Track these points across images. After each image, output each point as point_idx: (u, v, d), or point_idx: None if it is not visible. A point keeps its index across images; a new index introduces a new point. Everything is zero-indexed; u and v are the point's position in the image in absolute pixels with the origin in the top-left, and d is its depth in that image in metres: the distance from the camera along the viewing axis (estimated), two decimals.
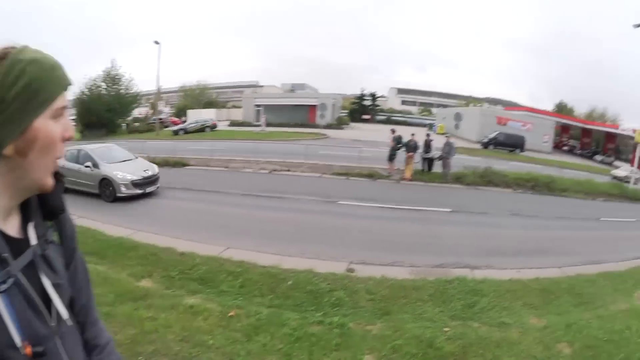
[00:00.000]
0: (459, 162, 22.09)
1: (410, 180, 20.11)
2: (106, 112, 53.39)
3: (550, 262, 9.19)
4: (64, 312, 1.18)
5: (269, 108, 60.52)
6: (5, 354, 1.00)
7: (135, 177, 14.79)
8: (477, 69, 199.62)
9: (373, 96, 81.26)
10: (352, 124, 65.33)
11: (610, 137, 66.56)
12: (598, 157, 55.18)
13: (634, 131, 44.34)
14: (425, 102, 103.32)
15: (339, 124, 59.81)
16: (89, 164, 14.91)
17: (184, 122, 57.57)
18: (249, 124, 56.93)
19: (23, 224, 1.16)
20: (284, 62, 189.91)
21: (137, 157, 17.14)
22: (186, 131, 48.76)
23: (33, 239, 1.15)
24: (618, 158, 56.20)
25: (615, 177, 32.46)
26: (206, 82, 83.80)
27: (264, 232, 10.74)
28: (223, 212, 12.86)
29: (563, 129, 70.03)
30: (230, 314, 5.48)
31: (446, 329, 5.44)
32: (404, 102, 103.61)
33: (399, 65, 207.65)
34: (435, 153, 21.24)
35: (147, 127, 56.46)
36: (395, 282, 7.31)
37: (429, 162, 21.42)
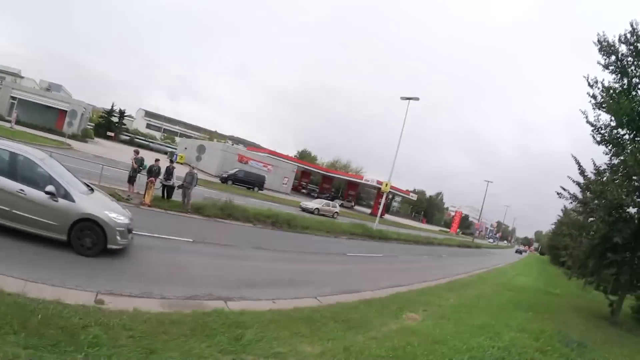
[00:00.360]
0: (198, 193, 21.93)
1: (150, 206, 19.12)
2: None
3: (304, 293, 9.45)
4: None
5: (24, 104, 53.15)
6: None
7: (127, 220, 10.04)
8: (225, 106, 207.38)
9: (121, 114, 78.26)
10: (96, 139, 61.47)
11: (352, 185, 76.68)
12: (337, 202, 60.77)
13: (380, 182, 50.71)
14: (170, 130, 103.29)
15: (83, 137, 55.05)
16: (51, 189, 8.80)
17: None
18: (1, 118, 49.84)
19: None
20: (49, 56, 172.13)
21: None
22: None
23: None
24: (358, 203, 63.35)
25: (304, 209, 36.64)
26: None
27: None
28: None
29: (304, 174, 77.96)
30: None
31: None
32: (149, 126, 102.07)
33: (152, 87, 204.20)
34: (175, 182, 20.71)
35: None
36: (151, 316, 6.48)
37: (169, 189, 20.78)
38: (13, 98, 55.51)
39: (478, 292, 15.36)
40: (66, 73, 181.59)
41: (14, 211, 8.63)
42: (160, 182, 20.20)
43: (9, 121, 45.59)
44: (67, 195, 9.02)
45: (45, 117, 53.67)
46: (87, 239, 9.13)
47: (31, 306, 6.18)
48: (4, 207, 8.60)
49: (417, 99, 34.70)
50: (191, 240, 13.84)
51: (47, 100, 57.73)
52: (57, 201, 8.85)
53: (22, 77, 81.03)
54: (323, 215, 36.41)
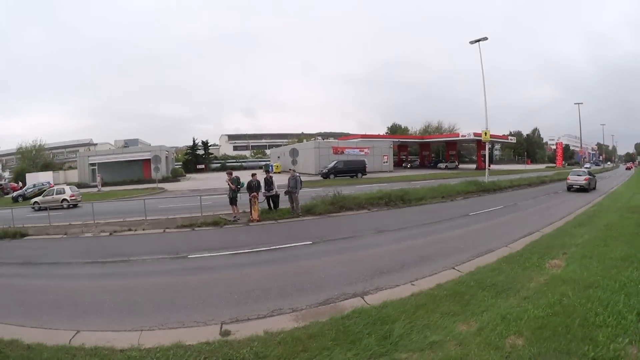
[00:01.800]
0: (305, 195, 21.72)
1: (259, 220, 19.06)
2: None
3: (441, 266, 8.74)
4: None
5: (104, 166, 58.16)
6: None
7: None
8: (305, 107, 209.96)
9: (205, 145, 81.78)
10: (188, 175, 64.97)
11: (451, 145, 73.45)
12: (442, 165, 58.65)
13: (477, 134, 48.80)
14: (257, 145, 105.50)
15: (174, 176, 58.78)
16: None
17: (22, 187, 52.44)
18: (86, 185, 53.67)
19: None
20: (114, 119, 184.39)
21: None
22: (25, 197, 44.36)
23: None
24: (460, 161, 61.15)
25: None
26: (42, 142, 78.05)
27: (117, 305, 8.81)
28: (68, 288, 10.65)
29: (400, 148, 75.79)
30: None
31: None
32: (235, 148, 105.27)
33: (227, 113, 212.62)
34: (277, 190, 20.42)
35: None
36: (285, 335, 5.99)
37: (274, 199, 20.55)
38: (92, 164, 59.97)
39: (606, 222, 13.92)
40: (138, 127, 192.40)
41: None
42: (264, 195, 19.95)
43: (96, 186, 49.09)
44: None
45: (129, 171, 57.49)
46: None
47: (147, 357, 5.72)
48: None
49: (485, 39, 34.23)
50: (310, 242, 13.46)
51: (126, 156, 62.17)
52: None
53: (94, 145, 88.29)
54: None
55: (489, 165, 37.37)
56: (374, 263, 10.08)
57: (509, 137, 78.58)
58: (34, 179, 55.04)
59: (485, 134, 33.98)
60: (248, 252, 12.95)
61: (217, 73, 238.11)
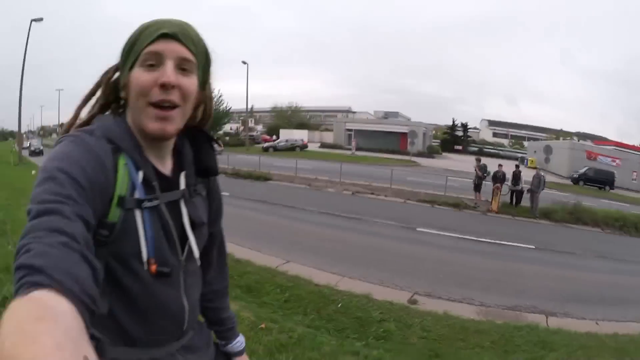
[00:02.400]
0: (548, 197, 20.71)
1: (497, 212, 19.19)
2: None
3: (633, 315, 8.10)
4: (195, 252, 1.34)
5: (360, 133, 60.97)
6: (130, 262, 1.18)
7: None
8: (567, 101, 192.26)
9: (465, 127, 79.65)
10: (444, 154, 64.02)
11: None
12: None
13: None
14: (516, 135, 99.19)
15: (430, 153, 58.26)
16: None
17: (275, 140, 58.27)
18: (340, 147, 57.64)
19: (176, 171, 1.35)
20: (375, 90, 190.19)
21: None
22: (276, 148, 49.35)
23: (182, 185, 1.33)
24: None
25: None
26: (298, 105, 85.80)
27: (333, 252, 10.43)
28: (295, 228, 12.70)
29: None
30: (260, 326, 5.05)
31: None
32: (495, 134, 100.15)
33: (488, 97, 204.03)
34: (523, 186, 20.29)
35: (237, 142, 59.02)
36: (457, 322, 6.63)
37: (517, 195, 20.44)
38: (349, 130, 63.11)
39: None
40: (398, 101, 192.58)
41: None
42: (508, 188, 20.05)
43: (350, 149, 52.17)
44: None
45: (385, 142, 58.59)
46: None
47: (335, 297, 6.99)
48: None
49: None
50: (534, 247, 13.43)
51: (384, 127, 63.59)
52: None
53: (353, 112, 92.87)
54: None
55: None
56: (577, 288, 9.77)
57: None
58: (288, 134, 60.54)
59: None
60: (474, 239, 13.54)
61: (480, 56, 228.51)
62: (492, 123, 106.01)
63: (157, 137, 1.23)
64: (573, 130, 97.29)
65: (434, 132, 76.75)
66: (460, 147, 74.44)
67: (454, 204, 19.82)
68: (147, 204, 1.20)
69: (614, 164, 49.26)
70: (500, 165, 20.09)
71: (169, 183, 1.30)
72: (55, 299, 0.76)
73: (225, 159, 28.30)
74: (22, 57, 36.77)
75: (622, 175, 46.43)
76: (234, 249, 8.74)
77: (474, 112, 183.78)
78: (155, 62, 1.18)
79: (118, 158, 1.18)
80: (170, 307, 1.32)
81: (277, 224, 12.94)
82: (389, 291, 7.90)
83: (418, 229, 14.06)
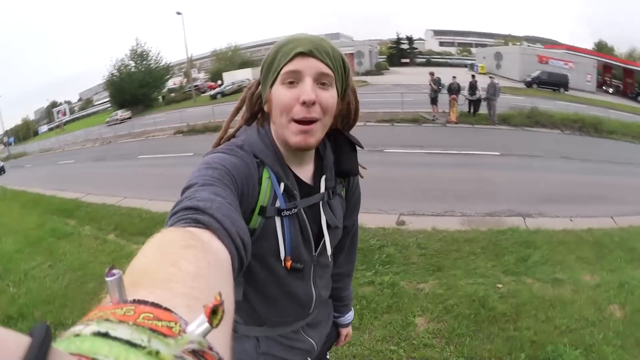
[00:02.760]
0: (504, 102, 21.27)
1: (456, 123, 19.67)
2: (139, 88, 54.57)
3: (603, 211, 8.78)
4: (329, 249, 1.53)
5: None
6: (267, 260, 1.38)
7: None
8: (514, 4, 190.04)
9: (410, 39, 78.17)
10: (392, 69, 63.01)
11: None
12: None
13: None
14: (463, 42, 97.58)
15: (378, 70, 57.68)
16: None
17: (221, 85, 56.48)
18: None
19: (317, 175, 1.48)
20: (312, 14, 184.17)
21: None
22: (223, 94, 47.71)
23: (322, 189, 1.47)
24: None
25: None
26: (237, 44, 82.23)
27: None
28: None
29: (605, 69, 65.46)
30: None
31: (499, 286, 5.31)
32: (441, 44, 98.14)
33: (431, 5, 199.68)
34: (481, 94, 20.69)
35: (183, 96, 56.96)
36: (447, 235, 7.10)
37: (475, 103, 20.89)
38: None
39: None
40: (339, 21, 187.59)
41: None
42: (465, 98, 20.43)
43: None
44: None
45: None
46: None
47: None
48: None
49: None
50: (498, 153, 14.08)
51: None
52: None
53: None
54: None
55: None
56: (547, 188, 10.35)
57: None
58: (232, 77, 57.88)
59: None
60: (440, 152, 14.04)
61: None
62: (437, 32, 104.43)
63: (299, 149, 1.33)
64: (521, 34, 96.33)
65: (379, 48, 75.54)
66: (407, 60, 73.59)
67: (413, 119, 20.29)
68: (286, 213, 1.35)
69: (567, 67, 50.32)
70: (454, 77, 20.37)
71: (309, 189, 1.44)
72: (211, 237, 0.81)
73: (178, 117, 27.85)
74: None
75: (576, 78, 47.65)
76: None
77: (417, 23, 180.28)
78: (295, 79, 1.26)
79: (262, 171, 1.33)
80: (299, 294, 1.52)
81: None
82: (378, 217, 8.18)
83: (385, 150, 14.36)
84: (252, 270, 1.39)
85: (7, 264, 8.70)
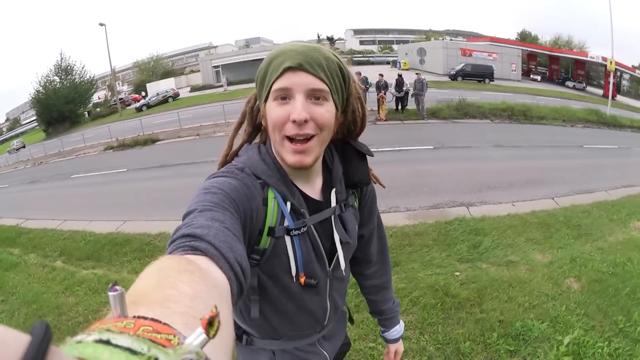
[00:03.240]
0: (431, 97, 21.86)
1: (386, 120, 19.99)
2: (65, 104, 52.26)
3: (543, 193, 9.30)
4: (342, 263, 1.47)
5: (228, 67, 58.89)
6: (280, 277, 1.35)
7: None
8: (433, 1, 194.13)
9: (331, 40, 79.35)
10: None
11: (580, 64, 65.11)
12: (569, 84, 54.95)
13: (605, 59, 44.08)
14: (384, 40, 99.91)
15: None
16: None
17: (145, 97, 55.21)
18: (210, 87, 55.75)
19: (326, 189, 1.44)
20: (230, 18, 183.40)
21: None
22: (149, 105, 47.05)
23: (333, 202, 1.42)
24: (589, 84, 56.04)
25: None
26: (159, 53, 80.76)
27: None
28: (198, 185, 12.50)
29: (529, 57, 68.23)
30: None
31: (457, 274, 5.48)
32: (362, 42, 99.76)
33: (351, 4, 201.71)
34: (409, 90, 21.02)
35: (109, 110, 54.88)
36: (397, 230, 7.21)
37: (402, 100, 21.23)
38: (215, 67, 60.37)
39: None
40: (257, 25, 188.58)
41: None
42: (393, 95, 20.77)
43: (221, 86, 50.67)
44: None
45: (253, 71, 55.97)
46: None
47: None
48: None
49: None
50: (431, 147, 14.43)
51: (248, 56, 60.46)
52: None
53: (215, 47, 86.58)
54: None
55: (615, 95, 33.89)
56: (485, 176, 10.74)
57: (637, 70, 68.27)
58: (156, 87, 56.71)
59: (611, 62, 30.04)
60: (374, 150, 14.09)
61: None
62: (357, 32, 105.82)
63: (297, 168, 1.30)
64: (442, 29, 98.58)
65: None
66: None
67: None
68: (295, 232, 1.32)
69: (491, 58, 52.56)
70: (381, 75, 20.68)
71: (318, 205, 1.40)
72: (209, 263, 0.81)
73: (107, 132, 27.05)
74: None
75: (501, 67, 49.97)
76: (164, 226, 8.48)
77: (337, 22, 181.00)
78: (286, 95, 1.22)
79: (267, 191, 1.30)
80: (314, 309, 1.50)
81: (186, 185, 12.34)
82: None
83: None
84: (266, 288, 1.38)
85: None
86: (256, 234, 1.24)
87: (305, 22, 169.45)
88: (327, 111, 1.23)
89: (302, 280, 1.37)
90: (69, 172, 21.21)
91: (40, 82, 53.77)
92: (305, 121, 1.19)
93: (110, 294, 0.43)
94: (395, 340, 1.97)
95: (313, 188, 1.42)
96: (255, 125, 1.44)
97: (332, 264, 1.46)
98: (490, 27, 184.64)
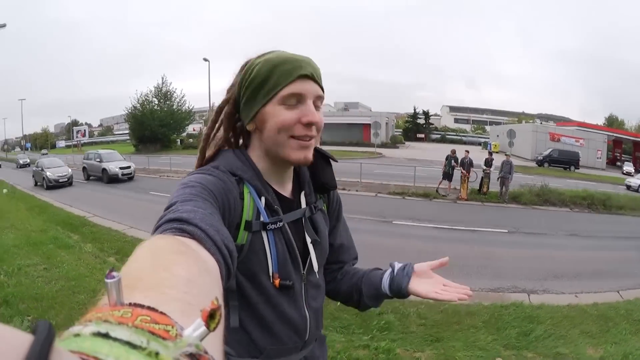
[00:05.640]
0: (515, 181, 21.23)
1: (466, 199, 19.60)
2: (159, 127, 55.27)
3: (609, 286, 8.64)
4: (315, 265, 1.48)
5: (325, 127, 60.35)
6: (258, 277, 1.32)
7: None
8: (527, 84, 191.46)
9: (426, 114, 79.22)
10: (407, 143, 63.63)
11: None
12: None
13: None
14: (477, 120, 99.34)
15: (393, 143, 58.46)
16: None
17: None
18: None
19: (296, 191, 1.48)
20: (333, 81, 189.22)
21: None
22: None
23: (303, 204, 1.47)
24: None
25: (628, 187, 31.54)
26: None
27: None
28: None
29: (615, 143, 64.69)
30: None
31: (499, 359, 5.15)
32: (456, 120, 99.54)
33: (448, 82, 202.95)
34: (491, 170, 20.56)
35: None
36: (449, 307, 6.88)
37: (487, 180, 20.76)
38: None
39: None
40: (357, 91, 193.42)
41: None
42: (483, 173, 20.35)
43: None
44: None
45: (349, 134, 58.29)
46: None
47: None
48: None
49: None
50: (506, 231, 13.88)
51: (346, 119, 63.25)
52: None
53: None
54: None
55: None
56: (553, 265, 10.15)
57: None
58: None
59: None
60: (448, 228, 13.83)
61: (437, 40, 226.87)
62: (453, 109, 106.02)
63: (300, 164, 1.36)
64: (534, 112, 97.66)
65: (395, 121, 76.59)
66: (422, 136, 74.35)
67: (424, 193, 20.21)
68: (271, 227, 1.32)
69: (578, 144, 50.65)
70: (467, 152, 20.49)
71: (290, 204, 1.44)
72: (198, 246, 0.81)
73: (194, 162, 28.36)
74: None
75: (586, 154, 47.86)
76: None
77: (434, 97, 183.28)
78: (298, 101, 1.28)
79: (243, 187, 1.32)
80: (293, 316, 1.43)
81: None
82: None
83: (394, 222, 14.28)
84: (244, 291, 1.34)
85: (2, 255, 9.02)
86: (234, 227, 1.25)
87: (403, 95, 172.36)
88: (322, 116, 1.35)
89: (277, 282, 1.34)
90: (149, 188, 22.46)
91: (138, 99, 57.02)
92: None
93: (108, 280, 0.42)
94: (405, 270, 1.67)
95: (285, 190, 1.45)
96: (234, 132, 1.45)
97: (306, 266, 1.45)
98: (579, 111, 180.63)
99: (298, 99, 1.28)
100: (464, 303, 7.19)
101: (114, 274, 0.43)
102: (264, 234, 1.32)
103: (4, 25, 35.39)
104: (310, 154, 1.34)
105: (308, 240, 1.45)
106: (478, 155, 21.52)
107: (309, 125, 1.29)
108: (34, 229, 11.97)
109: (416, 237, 12.52)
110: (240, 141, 1.49)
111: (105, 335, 0.33)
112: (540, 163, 43.41)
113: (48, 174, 25.57)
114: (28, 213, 15.65)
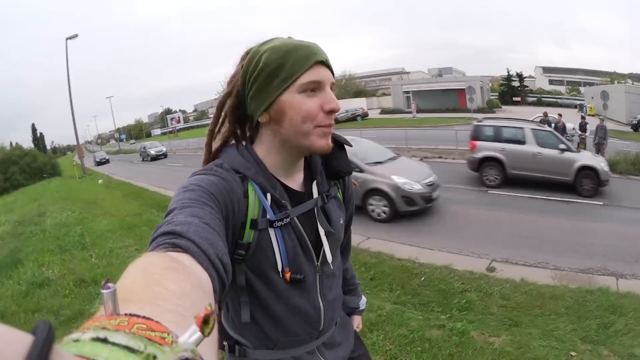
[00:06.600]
0: (610, 147, 19.63)
1: None
2: None
3: None
4: (329, 256, 1.46)
5: (418, 94, 58.98)
6: (267, 273, 1.32)
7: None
8: (618, 41, 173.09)
9: (520, 77, 73.54)
10: (504, 107, 59.70)
11: None
12: None
13: None
14: (571, 81, 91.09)
15: (490, 108, 54.89)
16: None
17: None
18: (400, 111, 56.37)
19: (307, 181, 1.44)
20: (424, 48, 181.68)
21: None
22: (337, 121, 48.51)
23: (315, 194, 1.42)
24: None
25: None
26: (352, 72, 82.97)
27: (410, 223, 10.63)
28: None
29: None
30: None
31: (573, 354, 4.81)
32: (551, 82, 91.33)
33: (539, 42, 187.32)
34: (587, 135, 19.51)
35: None
36: (533, 288, 6.66)
37: (583, 147, 19.52)
38: (406, 92, 60.67)
39: None
40: (449, 56, 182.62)
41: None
42: (579, 137, 19.32)
43: (410, 112, 50.78)
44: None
45: (444, 100, 56.05)
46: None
47: (417, 270, 7.20)
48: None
49: None
50: (601, 203, 13.01)
51: (440, 85, 60.45)
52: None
53: (407, 73, 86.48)
54: None
55: None
56: None
57: None
58: (347, 104, 58.35)
59: None
60: (543, 199, 13.24)
61: None
62: (546, 70, 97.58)
63: (323, 152, 1.33)
64: (625, 71, 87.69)
65: (490, 84, 72.56)
66: (519, 99, 70.00)
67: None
68: (278, 224, 1.30)
69: None
70: (560, 115, 19.70)
71: (300, 196, 1.40)
72: (190, 261, 0.81)
73: None
74: (66, 75, 37.56)
75: None
76: None
77: (526, 59, 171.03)
78: (316, 88, 1.24)
79: (247, 185, 1.28)
80: (305, 309, 1.43)
81: None
82: (468, 260, 7.95)
83: (489, 192, 14.07)
84: (254, 287, 1.34)
85: (95, 239, 9.87)
86: (239, 227, 1.24)
87: (494, 58, 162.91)
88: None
89: (288, 276, 1.33)
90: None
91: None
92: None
93: (103, 291, 0.43)
94: (361, 312, 2.02)
95: (295, 182, 1.41)
96: (240, 125, 1.41)
97: (320, 257, 1.43)
98: None
99: (317, 86, 1.24)
100: (549, 284, 6.98)
101: (110, 284, 0.44)
102: (271, 231, 1.30)
103: (75, 36, 37.45)
104: (330, 141, 1.30)
105: (321, 231, 1.42)
106: (571, 119, 20.06)
107: (330, 112, 1.26)
108: (129, 214, 12.63)
109: (511, 208, 12.09)
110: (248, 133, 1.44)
111: (104, 340, 0.35)
112: (635, 128, 38.76)
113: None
114: (123, 199, 16.78)
